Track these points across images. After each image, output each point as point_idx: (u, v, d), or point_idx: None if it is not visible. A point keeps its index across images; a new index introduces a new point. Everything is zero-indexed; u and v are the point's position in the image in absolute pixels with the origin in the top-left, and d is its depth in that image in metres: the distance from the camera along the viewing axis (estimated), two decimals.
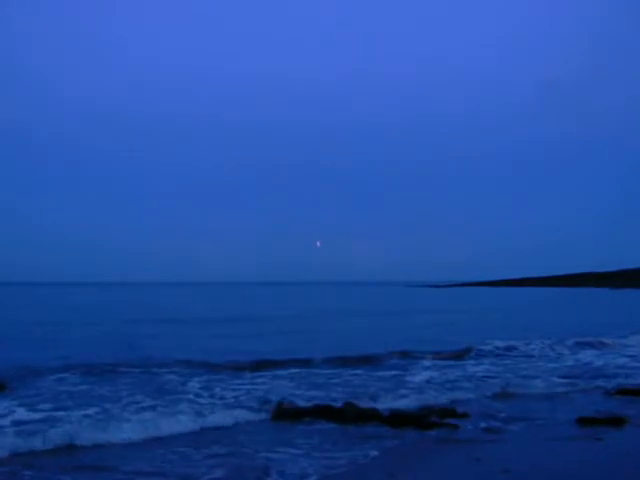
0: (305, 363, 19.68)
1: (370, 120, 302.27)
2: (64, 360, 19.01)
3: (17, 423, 11.30)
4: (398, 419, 11.99)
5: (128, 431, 10.85)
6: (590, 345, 25.64)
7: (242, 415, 12.50)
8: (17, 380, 15.59)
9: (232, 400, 14.02)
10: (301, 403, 13.22)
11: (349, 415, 12.31)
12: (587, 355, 23.29)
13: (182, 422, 11.66)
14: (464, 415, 12.60)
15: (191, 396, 14.27)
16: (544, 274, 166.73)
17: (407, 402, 13.81)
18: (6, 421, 11.41)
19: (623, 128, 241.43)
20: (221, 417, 12.26)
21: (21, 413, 12.11)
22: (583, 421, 12.03)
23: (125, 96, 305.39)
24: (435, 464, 9.62)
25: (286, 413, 12.57)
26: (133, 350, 22.48)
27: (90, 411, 12.30)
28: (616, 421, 11.95)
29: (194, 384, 15.83)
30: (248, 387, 15.60)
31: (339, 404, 12.93)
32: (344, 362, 20.05)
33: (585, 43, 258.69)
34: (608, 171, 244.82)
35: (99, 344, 25.52)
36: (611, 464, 9.55)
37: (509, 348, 24.15)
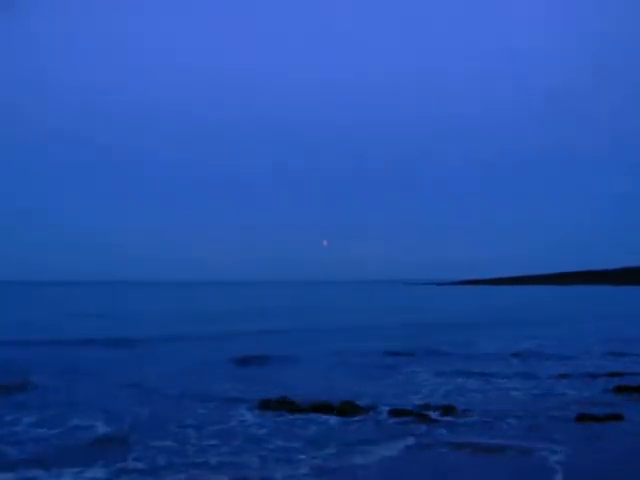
0: None
1: (374, 121, 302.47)
2: None
3: None
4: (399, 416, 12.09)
5: None
6: None
7: None
8: None
9: None
10: None
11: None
12: None
13: None
14: (465, 412, 12.62)
15: None
16: (544, 272, 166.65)
17: None
18: None
19: (628, 130, 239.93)
20: None
21: None
22: (583, 418, 12.03)
23: (126, 91, 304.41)
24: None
25: None
26: None
27: None
28: (615, 418, 11.97)
29: None
30: None
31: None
32: None
33: (594, 48, 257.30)
34: (611, 171, 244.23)
35: None
36: (612, 460, 9.58)
37: None
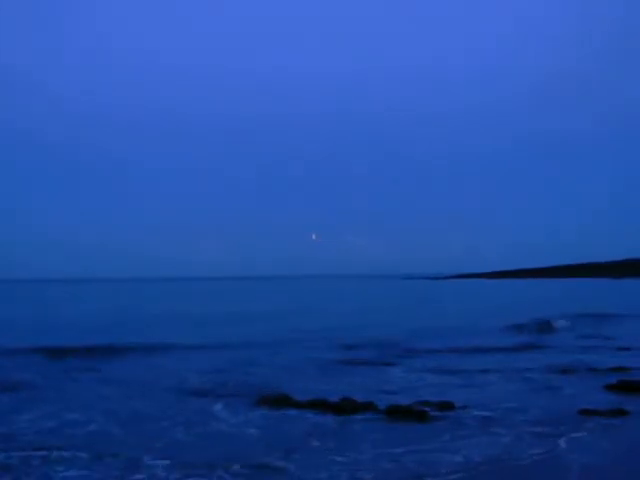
0: None
1: (370, 114, 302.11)
2: None
3: None
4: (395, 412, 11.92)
5: None
6: None
7: None
8: None
9: None
10: None
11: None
12: None
13: None
14: (463, 408, 12.45)
15: None
16: (543, 265, 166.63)
17: None
18: None
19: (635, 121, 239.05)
20: None
21: None
22: (585, 413, 11.88)
23: (119, 95, 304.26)
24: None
25: None
26: None
27: None
28: (618, 413, 11.81)
29: None
30: None
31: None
32: None
33: (599, 29, 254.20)
34: (616, 162, 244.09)
35: None
36: (616, 455, 9.51)
37: None
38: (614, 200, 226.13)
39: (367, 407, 12.42)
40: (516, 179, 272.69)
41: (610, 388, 14.53)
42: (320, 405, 12.66)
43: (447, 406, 12.43)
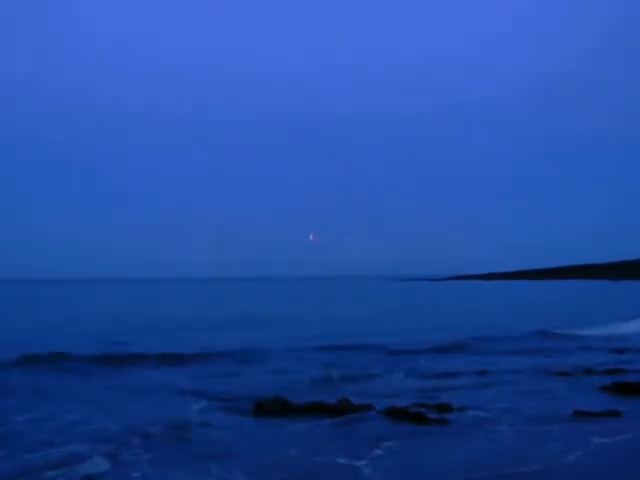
0: None
1: (369, 115, 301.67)
2: None
3: None
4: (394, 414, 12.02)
5: None
6: None
7: None
8: None
9: None
10: None
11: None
12: None
13: None
14: (460, 409, 12.59)
15: None
16: (543, 266, 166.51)
17: None
18: None
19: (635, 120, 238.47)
20: None
21: None
22: (580, 414, 12.04)
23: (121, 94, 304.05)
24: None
25: None
26: None
27: None
28: (611, 414, 11.98)
29: None
30: None
31: None
32: None
33: (599, 29, 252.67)
34: (616, 162, 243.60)
35: None
36: (611, 456, 9.62)
37: None
38: (614, 200, 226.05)
39: (365, 409, 12.54)
40: (516, 179, 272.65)
41: (605, 390, 14.72)
42: (318, 407, 12.75)
43: (445, 408, 12.56)
